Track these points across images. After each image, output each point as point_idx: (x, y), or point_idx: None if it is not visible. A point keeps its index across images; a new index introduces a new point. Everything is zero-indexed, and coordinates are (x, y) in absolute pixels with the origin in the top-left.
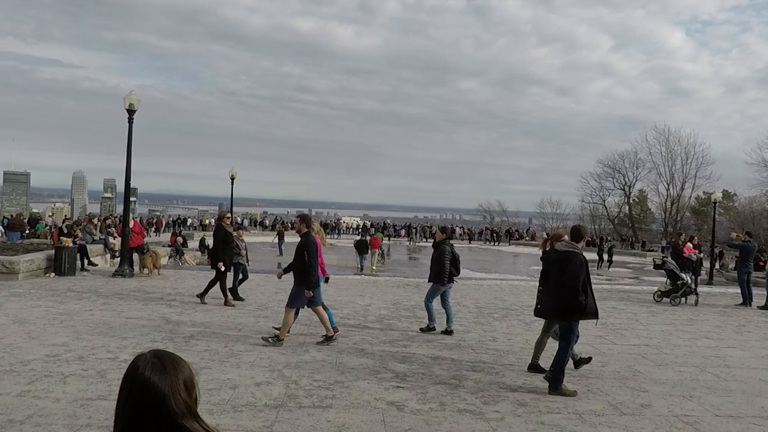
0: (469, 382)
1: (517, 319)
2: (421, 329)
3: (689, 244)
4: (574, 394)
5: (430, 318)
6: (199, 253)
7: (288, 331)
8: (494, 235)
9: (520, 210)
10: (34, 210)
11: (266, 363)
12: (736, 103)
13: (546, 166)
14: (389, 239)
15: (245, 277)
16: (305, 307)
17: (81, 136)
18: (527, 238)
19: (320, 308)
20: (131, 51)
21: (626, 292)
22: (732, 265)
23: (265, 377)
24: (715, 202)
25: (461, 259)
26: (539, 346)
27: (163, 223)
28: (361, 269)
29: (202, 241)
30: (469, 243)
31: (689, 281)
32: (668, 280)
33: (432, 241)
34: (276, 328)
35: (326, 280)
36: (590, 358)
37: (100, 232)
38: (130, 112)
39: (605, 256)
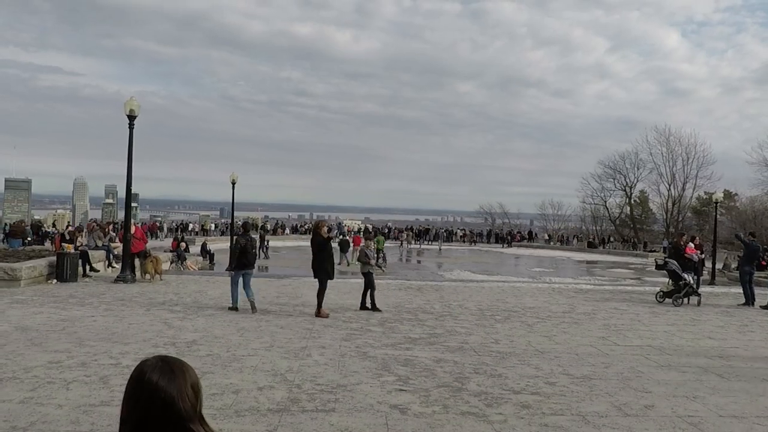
0: (471, 384)
1: (519, 321)
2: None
3: (691, 245)
4: None
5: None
6: (200, 258)
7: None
8: (508, 236)
9: (522, 212)
10: (35, 217)
11: (269, 367)
12: (734, 103)
13: (544, 168)
14: (405, 243)
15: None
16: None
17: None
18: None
19: None
20: (131, 57)
21: (628, 292)
22: (734, 265)
23: (267, 381)
24: (716, 202)
25: (461, 261)
26: None
27: (164, 227)
28: (348, 263)
29: (203, 246)
30: (471, 245)
31: (691, 281)
32: (670, 281)
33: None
34: None
35: None
36: None
37: (105, 237)
38: (131, 117)
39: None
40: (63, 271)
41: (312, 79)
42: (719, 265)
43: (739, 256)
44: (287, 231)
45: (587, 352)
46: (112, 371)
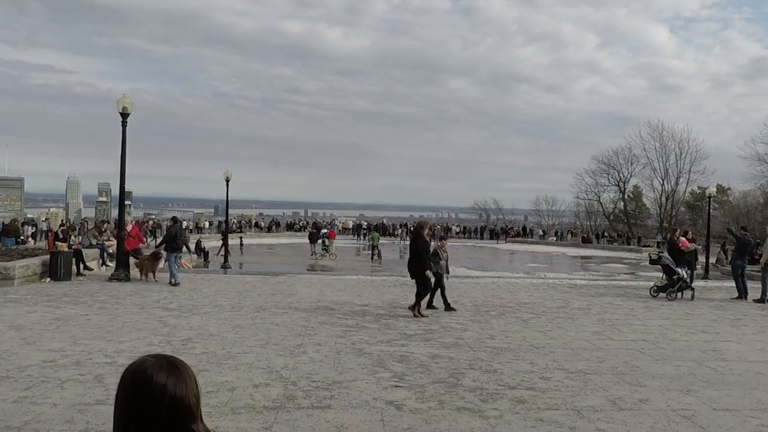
0: (467, 380)
1: (514, 317)
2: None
3: (683, 239)
4: None
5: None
6: (195, 256)
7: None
8: (503, 232)
9: (516, 207)
10: (28, 215)
11: (264, 365)
12: (723, 98)
13: (540, 164)
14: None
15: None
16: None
17: (74, 141)
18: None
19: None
20: (123, 55)
21: (622, 287)
22: (727, 259)
23: (263, 379)
24: (709, 197)
25: (456, 256)
26: None
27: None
28: (315, 254)
29: (198, 244)
30: (465, 239)
31: (685, 276)
32: (664, 275)
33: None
34: None
35: None
36: None
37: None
38: (124, 115)
39: None
40: (57, 269)
41: (304, 76)
42: (713, 260)
43: (731, 250)
44: (282, 228)
45: (582, 346)
46: (106, 370)
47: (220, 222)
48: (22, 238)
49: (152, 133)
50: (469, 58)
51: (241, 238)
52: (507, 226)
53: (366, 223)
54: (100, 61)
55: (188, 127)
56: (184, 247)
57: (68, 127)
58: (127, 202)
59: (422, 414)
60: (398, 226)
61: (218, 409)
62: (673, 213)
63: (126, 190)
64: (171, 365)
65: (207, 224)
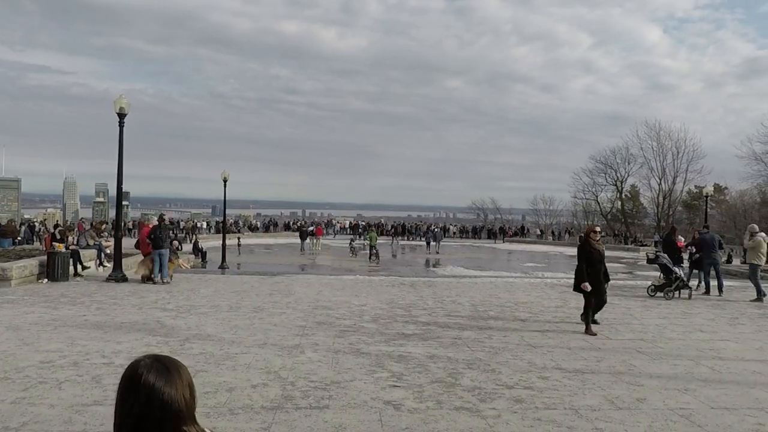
0: (465, 379)
1: (512, 316)
2: None
3: (680, 238)
4: None
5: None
6: (192, 257)
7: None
8: (499, 231)
9: (514, 207)
10: (25, 216)
11: (262, 365)
12: (717, 98)
13: (537, 163)
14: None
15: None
16: None
17: (71, 142)
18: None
19: None
20: (119, 56)
21: (620, 287)
22: (725, 258)
23: (261, 379)
24: (707, 196)
25: (455, 256)
26: None
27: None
28: (304, 251)
29: (195, 244)
30: (463, 239)
31: (682, 275)
32: (661, 275)
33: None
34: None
35: None
36: None
37: (99, 236)
38: (121, 115)
39: None
40: (54, 270)
41: (300, 76)
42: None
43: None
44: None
45: (579, 346)
46: (104, 370)
47: (217, 222)
48: (19, 238)
49: (150, 133)
50: (464, 58)
51: (239, 238)
52: (505, 225)
53: (364, 223)
54: (97, 62)
55: (186, 127)
56: (173, 246)
57: (65, 128)
58: (124, 203)
59: (420, 414)
60: (390, 227)
61: (216, 410)
62: (671, 212)
63: (123, 190)
64: (162, 367)
65: (205, 224)
